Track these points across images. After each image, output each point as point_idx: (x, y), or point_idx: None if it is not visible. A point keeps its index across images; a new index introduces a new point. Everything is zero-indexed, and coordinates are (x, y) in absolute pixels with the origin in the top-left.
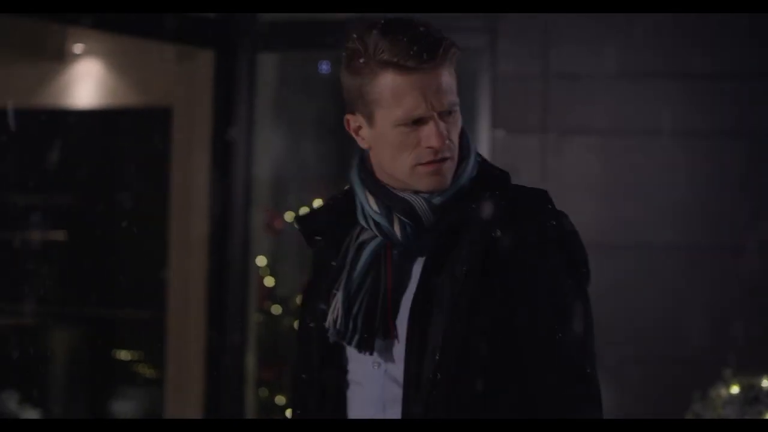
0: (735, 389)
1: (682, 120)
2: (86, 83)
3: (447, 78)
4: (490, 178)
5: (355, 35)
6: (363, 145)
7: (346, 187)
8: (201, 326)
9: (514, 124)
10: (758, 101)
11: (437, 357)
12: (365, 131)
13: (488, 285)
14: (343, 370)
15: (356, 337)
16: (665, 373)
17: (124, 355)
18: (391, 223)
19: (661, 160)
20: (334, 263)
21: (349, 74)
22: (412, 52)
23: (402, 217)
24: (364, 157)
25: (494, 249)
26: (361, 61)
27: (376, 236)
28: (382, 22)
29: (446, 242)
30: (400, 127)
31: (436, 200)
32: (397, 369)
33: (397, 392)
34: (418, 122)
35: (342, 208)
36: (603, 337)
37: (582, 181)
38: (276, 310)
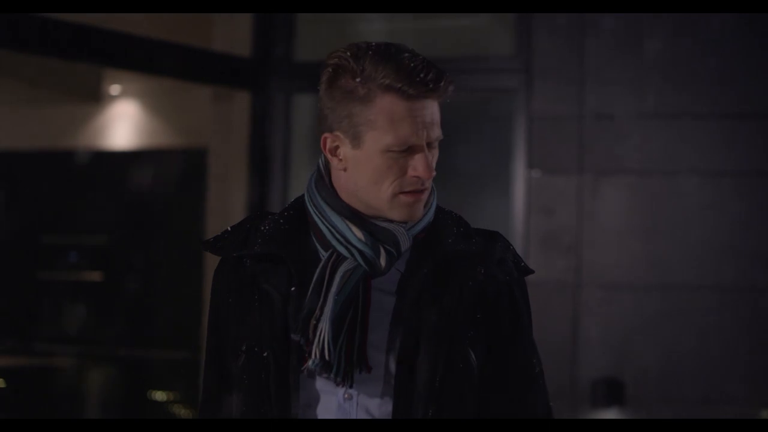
0: None
1: (715, 160)
2: (122, 124)
3: (438, 110)
4: (445, 213)
5: (347, 53)
6: (338, 166)
7: (292, 202)
8: None
9: (550, 164)
10: None
11: (432, 393)
12: (346, 152)
13: (474, 321)
14: (292, 400)
15: (341, 370)
16: (696, 413)
17: (159, 395)
18: (377, 254)
19: (695, 200)
20: (293, 289)
21: (335, 92)
22: (417, 80)
23: (389, 248)
24: (320, 180)
25: (474, 284)
26: (357, 80)
27: (359, 265)
28: (381, 45)
29: (432, 276)
30: (390, 153)
31: (413, 231)
32: (373, 402)
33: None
34: (408, 150)
35: (291, 231)
36: (635, 377)
37: (616, 221)
38: None
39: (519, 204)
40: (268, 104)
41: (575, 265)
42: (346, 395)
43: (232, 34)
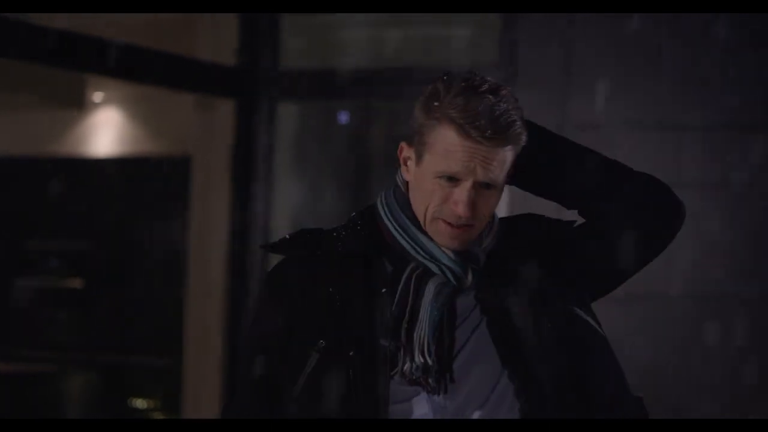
0: None
1: (700, 171)
2: (105, 131)
3: (502, 154)
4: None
5: (446, 78)
6: (406, 176)
7: (357, 213)
8: (217, 374)
9: None
10: None
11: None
12: (412, 166)
13: (560, 275)
14: (381, 403)
15: (438, 375)
16: None
17: (139, 402)
18: (465, 272)
19: None
20: (384, 290)
21: (420, 109)
22: (478, 124)
23: (474, 266)
24: (398, 191)
25: (536, 247)
26: (435, 104)
27: (449, 280)
28: (474, 77)
29: (503, 272)
30: (438, 179)
31: (485, 247)
32: (466, 410)
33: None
34: (453, 180)
35: (366, 237)
36: None
37: None
38: None
39: (501, 213)
40: (252, 112)
41: None
42: (435, 401)
43: (216, 42)
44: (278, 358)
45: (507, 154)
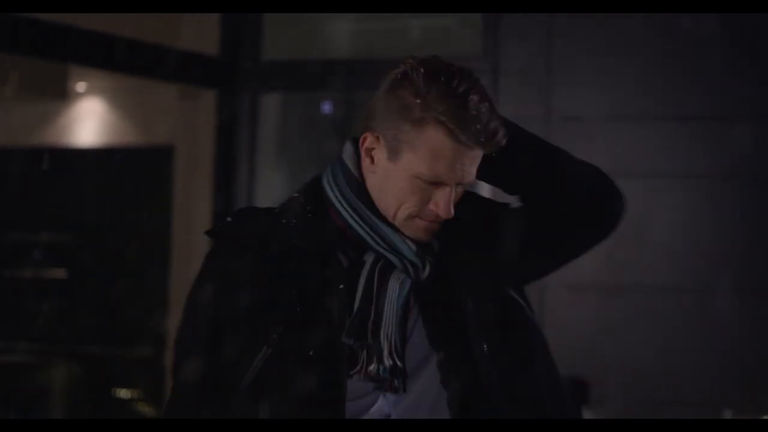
0: None
1: (682, 162)
2: (88, 122)
3: (481, 156)
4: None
5: (421, 68)
6: (369, 168)
7: (304, 195)
8: None
9: None
10: (758, 143)
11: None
12: (381, 159)
13: (495, 257)
14: (341, 402)
15: (402, 376)
16: (659, 413)
17: (123, 393)
18: (424, 265)
19: (661, 202)
20: (342, 286)
21: (393, 99)
22: (473, 129)
23: (431, 259)
24: (352, 179)
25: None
26: (417, 101)
27: (408, 274)
28: (456, 74)
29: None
30: (419, 180)
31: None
32: (420, 407)
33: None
34: (436, 183)
35: (319, 226)
36: (600, 377)
37: None
38: None
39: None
40: (234, 103)
41: None
42: (389, 397)
43: (199, 32)
44: (225, 350)
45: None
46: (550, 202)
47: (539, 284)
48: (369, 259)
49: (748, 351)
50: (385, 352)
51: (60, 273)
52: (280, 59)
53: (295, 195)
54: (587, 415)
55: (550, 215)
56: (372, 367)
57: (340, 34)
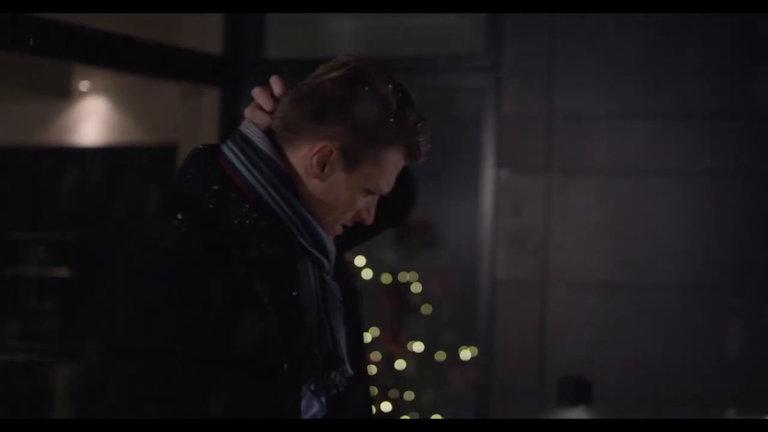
0: None
1: (684, 160)
2: (92, 120)
3: None
4: None
5: (390, 88)
6: (314, 173)
7: (222, 193)
8: None
9: (519, 163)
10: (761, 142)
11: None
12: (335, 168)
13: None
14: (299, 409)
15: (350, 381)
16: (662, 412)
17: None
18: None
19: (663, 201)
20: (295, 294)
21: (361, 115)
22: (424, 150)
23: (334, 258)
24: (279, 170)
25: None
26: (389, 122)
27: (330, 274)
28: (407, 92)
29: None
30: (362, 192)
31: None
32: (350, 406)
33: None
34: (373, 193)
35: (274, 233)
36: (602, 376)
37: (585, 221)
38: None
39: (487, 203)
40: (237, 101)
41: (543, 265)
42: (321, 399)
43: (202, 31)
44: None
45: None
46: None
47: (542, 284)
48: (305, 262)
49: (751, 350)
50: (347, 362)
51: (63, 271)
52: (283, 58)
53: (220, 191)
54: (590, 414)
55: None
56: (333, 376)
57: (343, 32)
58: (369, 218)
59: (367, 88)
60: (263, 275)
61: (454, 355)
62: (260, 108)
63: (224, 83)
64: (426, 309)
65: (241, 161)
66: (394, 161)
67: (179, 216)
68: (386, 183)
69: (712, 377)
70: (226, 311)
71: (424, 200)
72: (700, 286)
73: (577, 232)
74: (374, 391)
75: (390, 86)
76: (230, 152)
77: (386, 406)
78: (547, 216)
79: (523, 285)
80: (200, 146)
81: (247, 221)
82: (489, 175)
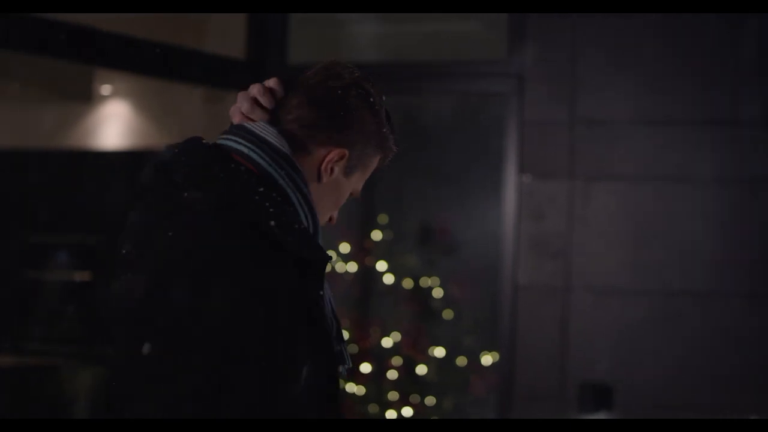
0: None
1: (707, 167)
2: (113, 124)
3: None
4: None
5: (382, 97)
6: (320, 176)
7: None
8: None
9: (541, 169)
10: None
11: None
12: (337, 172)
13: None
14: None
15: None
16: (683, 418)
17: None
18: None
19: (685, 206)
20: (321, 293)
21: (370, 126)
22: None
23: None
24: (299, 173)
25: None
26: (385, 131)
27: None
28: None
29: None
30: (347, 196)
31: None
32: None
33: None
34: (350, 196)
35: (309, 235)
36: (622, 380)
37: (607, 226)
38: None
39: (510, 208)
40: None
41: (565, 270)
42: None
43: (225, 35)
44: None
45: None
46: None
47: (563, 289)
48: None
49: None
50: (347, 355)
51: (85, 275)
52: (305, 62)
53: (262, 192)
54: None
55: None
56: (341, 370)
57: (367, 37)
58: (335, 220)
59: (372, 99)
60: (318, 279)
61: (475, 360)
62: (259, 105)
63: (246, 87)
64: (447, 314)
65: (268, 163)
66: (375, 166)
67: (251, 221)
68: (358, 190)
69: (735, 383)
70: (303, 314)
71: (446, 205)
72: (722, 292)
73: (599, 238)
74: (395, 396)
75: (382, 97)
76: (252, 152)
77: (407, 411)
78: (569, 221)
79: (544, 290)
80: (200, 140)
81: (296, 226)
82: (511, 180)
